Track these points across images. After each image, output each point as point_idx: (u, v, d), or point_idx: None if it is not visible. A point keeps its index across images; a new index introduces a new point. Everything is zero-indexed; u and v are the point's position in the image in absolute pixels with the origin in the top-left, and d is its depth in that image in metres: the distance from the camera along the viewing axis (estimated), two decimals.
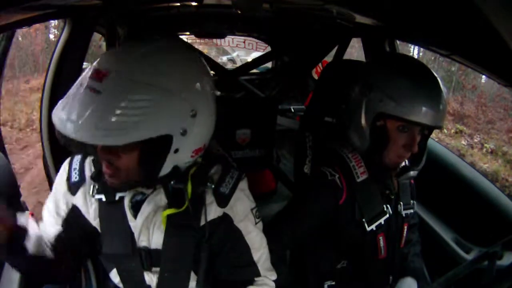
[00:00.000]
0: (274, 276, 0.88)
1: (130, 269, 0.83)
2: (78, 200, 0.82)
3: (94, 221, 0.83)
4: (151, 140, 0.65)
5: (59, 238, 0.83)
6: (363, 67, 1.03)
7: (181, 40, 0.76)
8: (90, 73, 0.64)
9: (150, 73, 0.65)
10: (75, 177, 0.82)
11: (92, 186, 0.81)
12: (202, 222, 0.81)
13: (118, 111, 0.62)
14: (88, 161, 0.83)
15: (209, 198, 0.81)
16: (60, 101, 0.66)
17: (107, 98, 0.62)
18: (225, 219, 0.83)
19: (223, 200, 0.81)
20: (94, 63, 0.67)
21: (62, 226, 0.84)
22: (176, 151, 0.69)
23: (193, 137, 0.70)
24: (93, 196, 0.81)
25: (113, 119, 0.62)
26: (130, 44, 0.75)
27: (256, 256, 0.85)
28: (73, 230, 0.84)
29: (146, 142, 0.65)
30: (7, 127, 4.96)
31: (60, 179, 0.84)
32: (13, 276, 0.99)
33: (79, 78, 0.66)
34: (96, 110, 0.62)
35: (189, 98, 0.68)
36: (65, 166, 0.85)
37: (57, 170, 0.97)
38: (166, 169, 0.71)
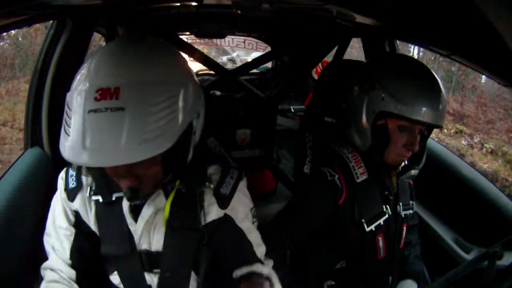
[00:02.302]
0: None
1: (130, 270, 0.83)
2: (77, 206, 0.82)
3: (94, 226, 0.82)
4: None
5: (76, 253, 0.83)
6: (363, 66, 1.03)
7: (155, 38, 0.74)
8: (92, 96, 0.58)
9: (157, 72, 0.63)
10: (72, 183, 0.82)
11: (89, 189, 0.80)
12: (203, 223, 0.81)
13: (153, 118, 0.59)
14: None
15: (210, 199, 0.81)
16: (65, 139, 0.60)
17: (135, 110, 0.58)
18: (226, 219, 0.83)
19: (224, 201, 0.81)
20: (87, 87, 0.59)
21: (75, 234, 0.83)
22: (194, 133, 0.72)
23: (201, 116, 0.75)
24: (90, 197, 0.80)
25: (152, 126, 0.59)
26: (111, 52, 0.66)
27: (258, 252, 0.86)
28: (83, 236, 0.84)
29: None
30: (7, 127, 4.96)
31: (59, 191, 0.84)
32: None
33: (74, 108, 0.59)
34: (131, 126, 0.57)
35: (194, 83, 0.71)
36: (62, 175, 0.84)
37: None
38: (190, 154, 0.73)
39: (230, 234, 0.84)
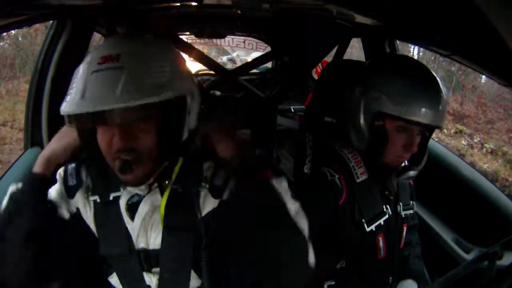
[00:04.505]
0: None
1: (128, 270, 0.83)
2: (78, 203, 0.82)
3: (92, 226, 0.82)
4: (170, 105, 0.67)
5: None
6: (362, 67, 1.04)
7: None
8: (96, 62, 0.65)
9: (157, 52, 0.70)
10: (72, 181, 0.82)
11: (87, 189, 0.81)
12: (199, 217, 0.80)
13: (149, 73, 0.65)
14: (84, 167, 0.83)
15: (204, 192, 0.81)
16: (66, 100, 0.66)
17: (132, 68, 0.64)
18: (221, 206, 0.83)
19: (217, 192, 0.81)
20: (93, 55, 0.67)
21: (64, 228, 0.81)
22: (189, 113, 0.73)
23: (196, 100, 0.76)
24: (88, 197, 0.80)
25: (148, 80, 0.65)
26: (115, 39, 0.78)
27: None
28: (73, 236, 0.82)
29: (165, 109, 0.67)
30: (7, 127, 4.96)
31: (58, 185, 0.83)
32: None
33: (83, 68, 0.66)
34: (129, 78, 0.63)
35: (186, 69, 0.75)
36: (60, 172, 0.84)
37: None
38: (185, 134, 0.74)
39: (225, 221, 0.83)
